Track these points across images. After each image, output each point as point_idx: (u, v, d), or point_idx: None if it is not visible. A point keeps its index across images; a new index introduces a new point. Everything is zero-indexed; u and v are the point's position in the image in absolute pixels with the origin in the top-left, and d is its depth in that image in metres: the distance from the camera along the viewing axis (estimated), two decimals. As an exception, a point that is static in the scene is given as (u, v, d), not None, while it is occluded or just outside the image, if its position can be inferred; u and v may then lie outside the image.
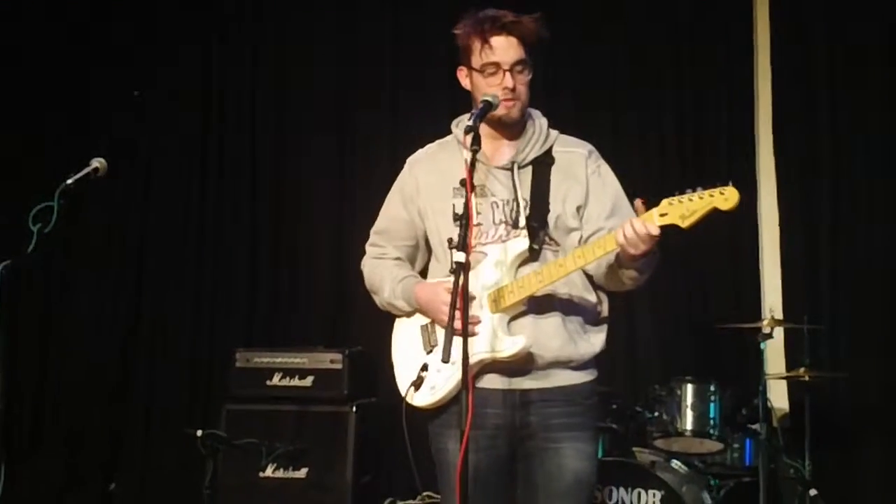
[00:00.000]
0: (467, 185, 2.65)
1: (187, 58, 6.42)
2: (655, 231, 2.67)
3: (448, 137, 3.09)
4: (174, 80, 6.40)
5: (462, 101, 3.04)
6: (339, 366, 5.49)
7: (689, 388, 4.72)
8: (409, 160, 3.14)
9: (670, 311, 5.60)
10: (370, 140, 6.18)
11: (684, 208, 2.67)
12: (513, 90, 2.89)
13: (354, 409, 5.42)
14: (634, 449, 4.68)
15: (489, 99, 2.84)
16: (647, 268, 2.86)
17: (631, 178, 3.16)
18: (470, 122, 2.74)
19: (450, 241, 2.85)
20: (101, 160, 3.17)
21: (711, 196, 2.64)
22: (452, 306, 2.57)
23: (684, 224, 2.67)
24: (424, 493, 5.42)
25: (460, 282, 2.59)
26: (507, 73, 2.88)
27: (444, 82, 5.44)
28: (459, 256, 2.60)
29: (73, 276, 6.44)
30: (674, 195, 2.69)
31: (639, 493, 4.30)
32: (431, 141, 3.17)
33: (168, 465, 6.08)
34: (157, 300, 6.34)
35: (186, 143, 6.41)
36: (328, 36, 6.31)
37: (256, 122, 6.36)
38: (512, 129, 2.99)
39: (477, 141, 2.72)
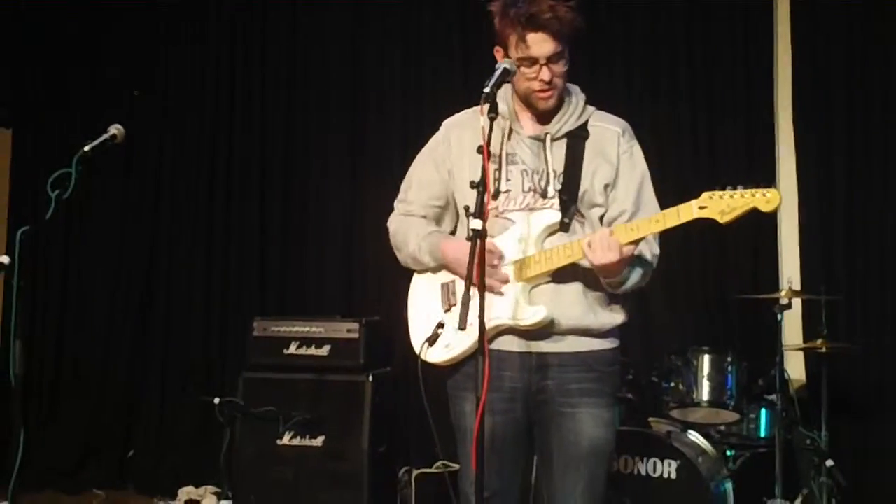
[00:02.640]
0: (484, 152, 2.63)
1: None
2: (616, 249, 2.72)
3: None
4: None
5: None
6: (355, 335, 5.50)
7: (706, 358, 4.71)
8: (445, 123, 3.14)
9: (688, 281, 5.58)
10: (383, 108, 6.15)
11: (725, 204, 2.72)
12: (549, 82, 2.89)
13: (371, 378, 5.43)
14: (650, 419, 4.68)
15: (507, 66, 2.83)
16: (615, 283, 2.88)
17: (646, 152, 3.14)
18: (487, 89, 2.72)
19: (466, 208, 2.86)
20: (119, 127, 3.16)
21: (753, 196, 2.70)
22: (469, 273, 2.57)
23: (723, 219, 2.73)
24: (440, 462, 5.44)
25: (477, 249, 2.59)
26: (544, 67, 2.87)
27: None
28: (476, 224, 2.60)
29: (89, 244, 6.47)
30: (714, 189, 2.74)
31: (654, 463, 4.30)
32: (439, 117, 3.17)
33: (185, 433, 6.13)
34: (175, 268, 6.36)
35: (202, 112, 6.41)
36: None
37: (267, 87, 6.34)
38: (554, 107, 2.98)
39: (494, 108, 2.71)
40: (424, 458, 5.54)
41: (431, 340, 2.87)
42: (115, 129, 3.17)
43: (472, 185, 2.66)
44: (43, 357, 6.33)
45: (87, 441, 6.29)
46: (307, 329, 5.56)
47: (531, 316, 2.85)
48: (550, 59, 2.86)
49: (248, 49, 6.37)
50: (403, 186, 3.19)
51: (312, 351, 5.54)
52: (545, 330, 2.88)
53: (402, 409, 5.82)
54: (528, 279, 2.88)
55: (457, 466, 5.19)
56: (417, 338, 3.02)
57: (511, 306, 2.87)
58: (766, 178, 2.80)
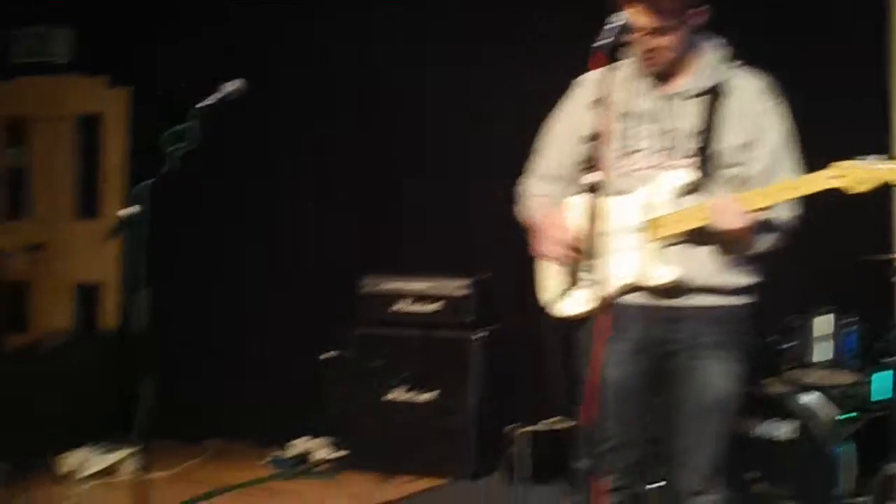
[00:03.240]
0: (603, 106, 2.61)
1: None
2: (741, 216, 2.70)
3: (617, 63, 3.04)
4: None
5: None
6: (465, 292, 5.54)
7: (823, 319, 4.60)
8: (574, 81, 3.11)
9: (807, 240, 5.44)
10: (493, 63, 6.10)
11: (858, 176, 2.66)
12: (651, 51, 2.85)
13: (480, 335, 5.46)
14: (765, 380, 4.60)
15: (623, 21, 2.78)
16: (741, 249, 2.85)
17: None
18: (604, 42, 2.68)
19: (583, 162, 2.85)
20: (238, 82, 3.22)
21: (889, 169, 2.64)
22: (587, 224, 2.56)
23: (856, 191, 2.67)
24: (548, 420, 5.44)
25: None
26: (644, 37, 2.83)
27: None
28: (594, 176, 2.58)
29: (209, 197, 6.59)
30: (852, 158, 2.68)
31: (771, 425, 4.24)
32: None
33: (298, 386, 6.23)
34: (290, 223, 6.44)
35: (320, 67, 6.45)
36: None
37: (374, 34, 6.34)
38: (673, 68, 2.93)
39: (613, 61, 2.70)
40: (532, 415, 5.55)
41: (562, 295, 2.87)
42: (234, 84, 3.22)
43: (590, 138, 2.64)
44: (159, 309, 6.49)
45: (206, 392, 6.45)
46: (417, 285, 5.62)
47: (664, 275, 2.84)
48: (649, 32, 2.82)
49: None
50: (539, 147, 3.17)
51: (422, 307, 5.60)
52: (676, 290, 2.86)
53: (510, 367, 5.83)
54: (661, 238, 2.85)
55: (566, 425, 5.26)
56: (548, 293, 3.01)
57: (641, 265, 2.85)
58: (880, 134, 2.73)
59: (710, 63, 2.95)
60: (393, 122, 6.28)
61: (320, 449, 5.82)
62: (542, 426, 5.40)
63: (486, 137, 6.00)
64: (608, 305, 2.68)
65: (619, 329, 2.76)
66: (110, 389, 6.66)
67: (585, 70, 3.04)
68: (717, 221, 2.75)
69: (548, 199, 3.09)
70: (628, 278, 2.86)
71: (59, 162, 7.15)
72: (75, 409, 6.59)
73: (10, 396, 4.32)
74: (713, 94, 2.91)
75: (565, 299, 2.90)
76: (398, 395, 5.53)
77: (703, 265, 2.87)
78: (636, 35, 2.83)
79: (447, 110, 6.13)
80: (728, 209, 2.73)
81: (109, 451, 5.49)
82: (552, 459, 5.24)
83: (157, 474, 3.45)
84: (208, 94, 3.24)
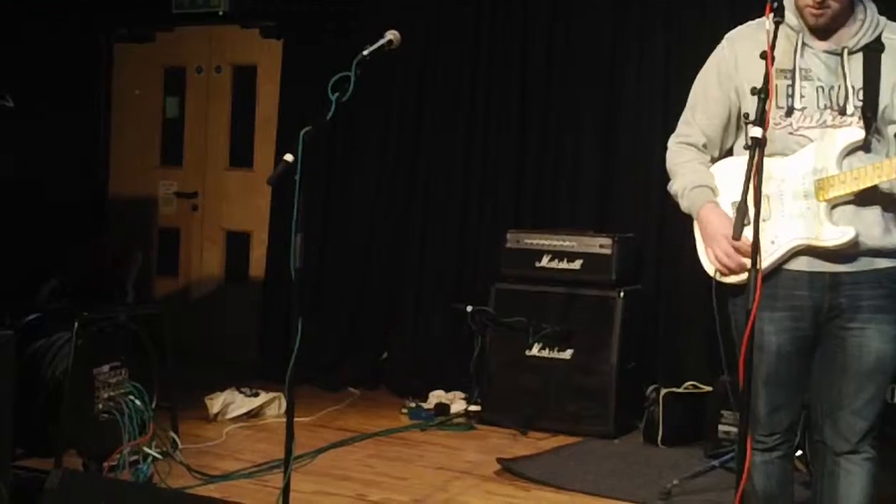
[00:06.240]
0: (768, 57, 2.54)
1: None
2: None
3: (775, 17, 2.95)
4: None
5: None
6: (608, 251, 5.49)
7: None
8: (727, 36, 3.01)
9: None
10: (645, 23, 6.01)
11: None
12: (821, 2, 2.75)
13: (622, 294, 5.42)
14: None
15: None
16: None
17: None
18: None
19: (745, 115, 2.78)
20: (395, 33, 3.24)
21: None
22: (746, 183, 2.50)
23: None
24: (689, 382, 5.39)
25: (755, 158, 2.51)
26: None
27: None
28: (756, 132, 2.52)
29: (356, 153, 6.68)
30: None
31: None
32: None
33: (438, 339, 6.31)
34: (434, 178, 6.48)
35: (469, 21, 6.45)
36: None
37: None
38: (835, 23, 2.82)
39: (780, 11, 2.61)
40: (672, 377, 5.51)
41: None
42: (391, 34, 3.25)
43: (754, 91, 2.57)
44: (308, 259, 6.63)
45: (345, 341, 6.59)
46: (560, 242, 5.60)
47: (838, 236, 2.77)
48: None
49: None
50: (688, 106, 3.08)
51: (564, 265, 5.57)
52: (847, 251, 2.79)
53: (651, 327, 5.79)
54: (832, 199, 2.78)
55: (707, 388, 5.19)
56: (707, 260, 2.96)
57: (811, 226, 2.78)
58: None
59: (871, 17, 2.85)
60: (547, 80, 6.23)
61: (459, 401, 5.88)
62: (684, 388, 5.35)
63: (637, 94, 5.93)
64: (771, 271, 2.66)
65: (784, 296, 2.78)
66: (257, 335, 6.89)
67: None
68: None
69: (701, 169, 3.01)
70: (802, 240, 2.79)
71: (214, 112, 7.36)
72: (224, 353, 6.84)
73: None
74: (873, 50, 2.82)
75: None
76: (538, 351, 5.54)
77: (870, 226, 2.79)
78: None
79: (597, 68, 6.06)
80: None
81: (255, 394, 5.66)
82: (691, 421, 5.19)
83: (298, 419, 3.52)
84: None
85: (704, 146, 3.02)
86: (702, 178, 2.99)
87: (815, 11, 2.77)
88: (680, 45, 5.72)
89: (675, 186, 3.05)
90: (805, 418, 3.31)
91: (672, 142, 3.09)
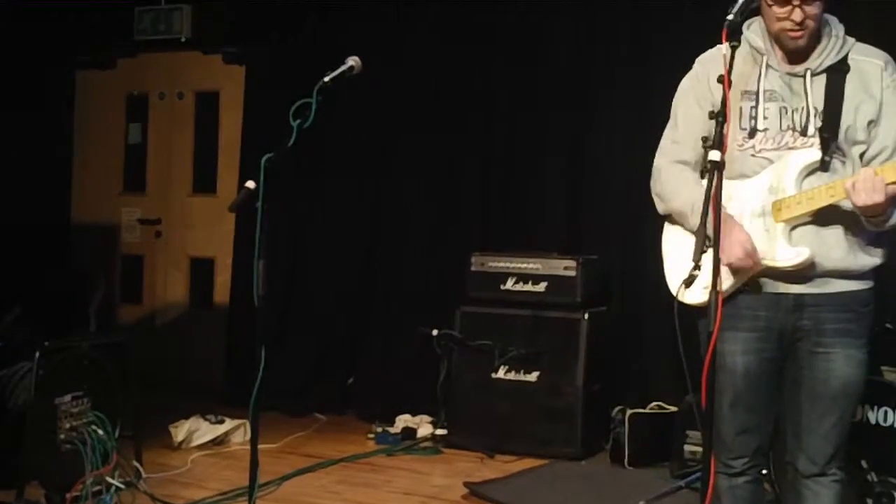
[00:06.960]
0: (725, 81, 2.56)
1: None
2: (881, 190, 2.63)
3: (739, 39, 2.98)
4: None
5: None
6: (572, 273, 5.52)
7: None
8: (698, 59, 3.05)
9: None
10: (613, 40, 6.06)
11: None
12: (800, 23, 2.77)
13: (587, 316, 5.44)
14: (883, 367, 4.49)
15: None
16: (878, 221, 2.75)
17: None
18: (730, 17, 2.63)
19: (704, 139, 2.80)
20: (356, 59, 3.25)
21: None
22: (706, 207, 2.51)
23: None
24: (655, 403, 5.41)
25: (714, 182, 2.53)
26: (796, 8, 2.76)
27: None
28: (714, 155, 2.54)
29: (322, 177, 6.66)
30: None
31: (885, 412, 4.13)
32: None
33: (404, 363, 6.28)
34: (399, 202, 6.48)
35: (428, 50, 6.48)
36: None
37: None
38: (812, 41, 2.85)
39: (737, 36, 2.63)
40: (638, 397, 5.53)
41: (688, 282, 2.83)
42: (352, 60, 3.25)
43: (711, 115, 2.59)
44: (274, 284, 6.60)
45: (312, 367, 6.56)
46: (524, 265, 5.61)
47: (793, 257, 2.79)
48: (804, 0, 2.75)
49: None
50: (670, 125, 3.09)
51: (529, 287, 5.59)
52: (804, 272, 2.82)
53: (617, 348, 5.80)
54: (788, 220, 2.81)
55: (673, 409, 5.21)
56: (674, 279, 2.98)
57: (769, 247, 2.81)
58: None
59: (836, 38, 2.88)
60: (513, 103, 6.26)
61: (425, 425, 5.87)
62: (649, 409, 5.37)
63: (604, 115, 5.97)
64: (734, 293, 2.70)
65: (748, 317, 2.80)
66: (222, 361, 6.84)
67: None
68: (856, 198, 2.67)
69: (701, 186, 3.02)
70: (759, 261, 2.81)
71: (177, 138, 7.33)
72: (189, 380, 6.78)
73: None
74: (837, 71, 2.85)
75: (692, 287, 2.85)
76: (505, 373, 5.54)
77: (831, 248, 2.81)
78: (782, 9, 2.77)
79: (565, 91, 6.10)
80: (867, 184, 2.65)
81: (220, 421, 5.62)
82: (657, 442, 5.21)
83: (264, 446, 3.49)
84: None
85: (696, 163, 3.02)
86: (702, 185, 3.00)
87: (794, 34, 2.79)
88: (648, 69, 5.76)
89: (675, 205, 3.02)
90: (771, 438, 3.33)
91: (663, 160, 3.07)
